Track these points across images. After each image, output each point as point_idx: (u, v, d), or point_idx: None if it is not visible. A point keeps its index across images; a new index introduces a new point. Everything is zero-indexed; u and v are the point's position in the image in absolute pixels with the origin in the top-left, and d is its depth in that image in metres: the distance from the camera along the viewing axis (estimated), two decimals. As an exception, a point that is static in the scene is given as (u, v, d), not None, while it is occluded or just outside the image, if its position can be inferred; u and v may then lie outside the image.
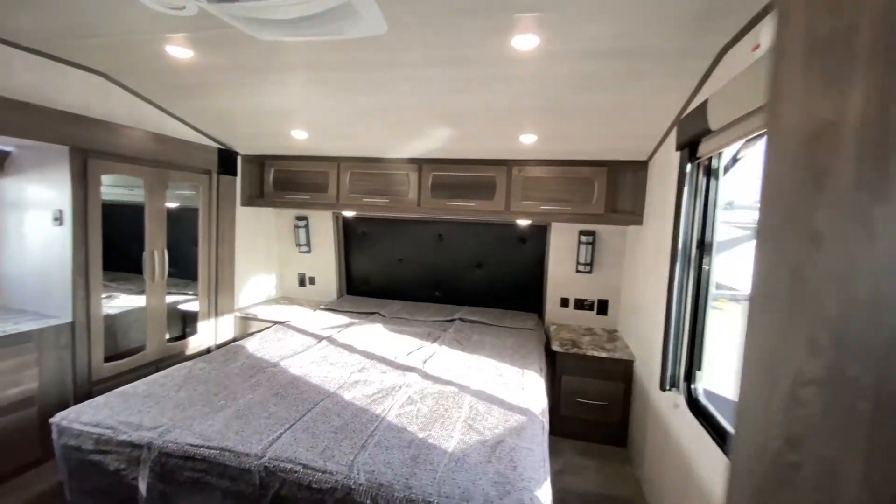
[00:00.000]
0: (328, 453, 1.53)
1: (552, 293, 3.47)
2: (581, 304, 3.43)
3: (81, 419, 1.70)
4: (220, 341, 3.25)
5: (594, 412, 2.82)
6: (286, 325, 3.12)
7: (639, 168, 2.82)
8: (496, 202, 3.07)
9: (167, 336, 2.87)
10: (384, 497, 1.36)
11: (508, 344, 2.85)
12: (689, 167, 1.87)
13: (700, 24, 1.46)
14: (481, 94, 2.14)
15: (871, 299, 0.27)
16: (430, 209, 3.21)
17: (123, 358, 2.59)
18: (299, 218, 3.88)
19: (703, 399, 1.81)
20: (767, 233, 0.37)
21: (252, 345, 2.65)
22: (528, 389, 2.17)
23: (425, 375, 2.29)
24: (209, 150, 3.10)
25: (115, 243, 2.57)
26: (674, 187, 2.03)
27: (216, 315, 3.23)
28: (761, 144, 1.56)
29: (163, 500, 1.57)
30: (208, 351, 3.11)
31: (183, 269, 3.11)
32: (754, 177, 1.97)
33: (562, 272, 3.41)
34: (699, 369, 1.87)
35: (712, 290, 1.88)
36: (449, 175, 3.15)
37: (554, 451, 2.02)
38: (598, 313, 3.40)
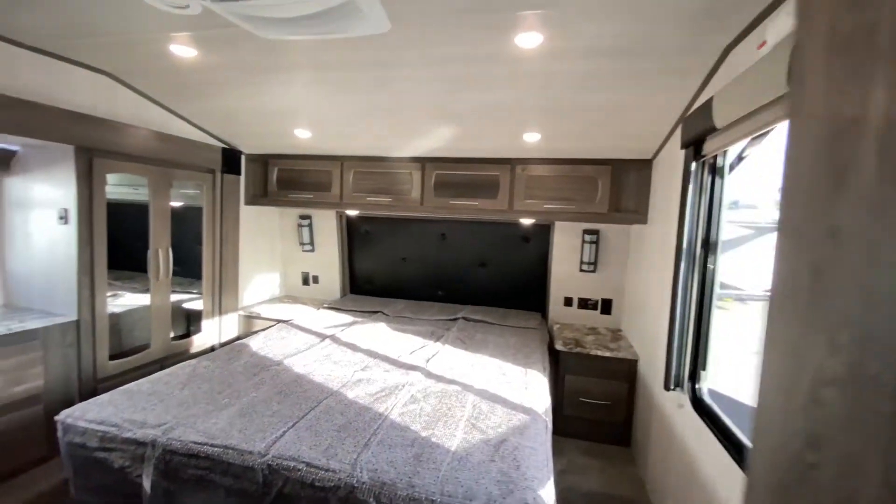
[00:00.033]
0: (331, 451, 1.54)
1: (555, 292, 3.46)
2: (585, 304, 3.41)
3: (86, 417, 1.71)
4: (223, 340, 3.26)
5: (598, 412, 2.81)
6: (290, 324, 3.13)
7: (643, 167, 2.80)
8: (499, 201, 3.07)
9: (171, 334, 2.88)
10: (387, 495, 1.36)
11: (511, 343, 2.85)
12: (693, 165, 1.86)
13: (704, 21, 1.45)
14: (485, 93, 2.13)
15: (894, 297, 0.26)
16: (433, 208, 3.20)
17: (128, 356, 2.60)
18: (303, 217, 3.89)
19: (707, 399, 1.80)
20: (788, 229, 0.37)
21: (256, 343, 2.66)
22: (532, 388, 2.17)
23: (428, 374, 2.29)
24: (213, 149, 3.11)
25: (120, 242, 2.58)
26: (678, 186, 2.02)
27: (220, 313, 3.24)
28: (767, 142, 1.55)
29: (167, 498, 1.58)
30: (212, 349, 3.12)
31: (187, 268, 3.12)
32: (760, 175, 1.96)
33: (565, 271, 3.40)
34: (704, 369, 1.85)
35: (717, 290, 1.87)
36: (452, 174, 3.15)
37: (557, 451, 2.01)
38: (602, 313, 3.39)
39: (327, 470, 1.44)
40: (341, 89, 2.24)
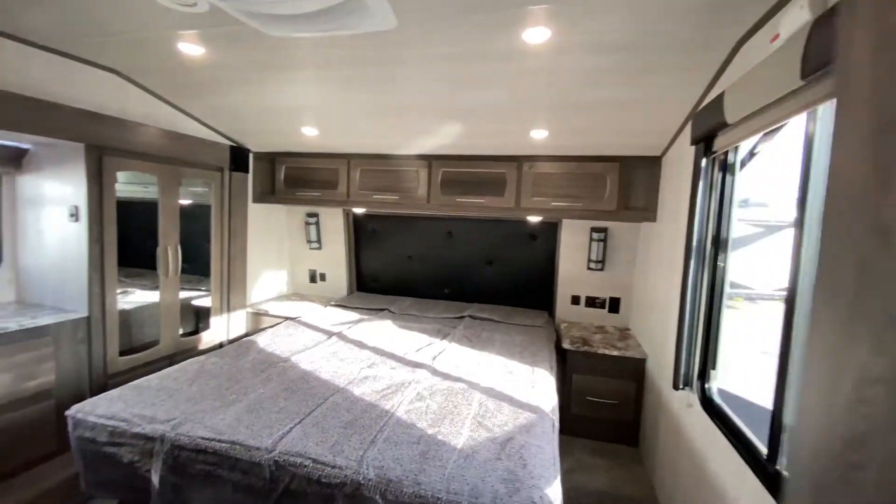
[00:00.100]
0: (337, 448, 1.54)
1: (563, 291, 3.44)
2: (592, 302, 3.39)
3: (96, 412, 1.73)
4: (232, 336, 3.29)
5: (605, 411, 2.79)
6: (297, 321, 3.14)
7: (652, 164, 2.77)
8: (506, 199, 3.05)
9: (180, 331, 2.91)
10: (393, 493, 1.36)
11: (518, 341, 2.84)
12: (704, 162, 1.83)
13: (716, 15, 1.42)
14: (492, 90, 2.12)
15: None
16: (439, 206, 3.20)
17: (138, 352, 2.63)
18: (310, 215, 3.90)
19: (717, 398, 1.78)
20: (833, 226, 0.36)
21: (263, 340, 2.68)
22: (539, 387, 2.15)
23: (435, 372, 2.29)
24: (221, 147, 3.13)
25: (130, 240, 2.60)
26: (688, 183, 1.99)
27: (228, 310, 3.26)
28: (779, 138, 1.52)
29: (175, 492, 1.59)
30: (220, 346, 3.14)
31: (196, 266, 3.14)
32: (772, 172, 1.92)
33: (573, 269, 3.38)
34: (714, 368, 1.83)
35: (727, 288, 1.84)
36: (459, 171, 3.14)
37: (564, 450, 2.00)
38: (610, 311, 3.36)
39: (334, 466, 1.44)
40: (348, 87, 2.24)
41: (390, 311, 3.49)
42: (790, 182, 1.29)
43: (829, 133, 1.19)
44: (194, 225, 3.04)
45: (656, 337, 2.56)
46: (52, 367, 2.18)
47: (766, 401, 1.32)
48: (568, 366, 2.84)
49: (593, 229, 3.22)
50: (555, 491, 1.38)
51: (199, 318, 3.29)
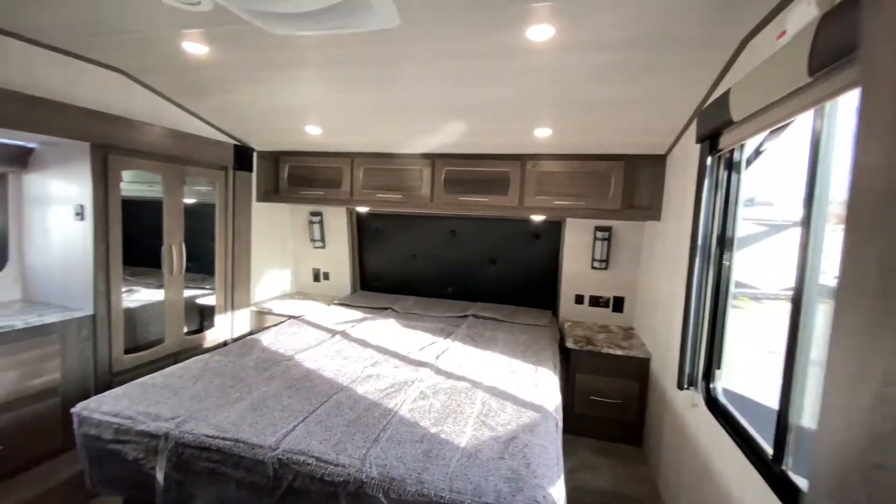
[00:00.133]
0: (341, 446, 1.54)
1: (566, 290, 3.43)
2: (596, 301, 3.38)
3: (101, 409, 1.74)
4: (236, 335, 3.30)
5: (609, 410, 2.78)
6: (301, 320, 3.15)
7: (657, 162, 2.76)
8: (510, 197, 3.04)
9: (185, 329, 2.92)
10: (396, 491, 1.36)
11: (521, 340, 2.83)
12: (709, 160, 1.82)
13: (722, 12, 1.41)
14: (495, 88, 2.11)
15: None
16: (443, 204, 3.19)
17: (143, 350, 2.64)
18: (314, 213, 3.91)
19: (722, 398, 1.77)
20: (856, 225, 0.35)
21: (267, 338, 2.68)
22: (542, 386, 2.15)
23: (438, 371, 2.29)
24: (225, 146, 3.14)
25: (135, 238, 2.62)
26: (693, 181, 1.98)
27: (232, 309, 3.27)
28: (786, 136, 1.51)
29: (179, 490, 1.60)
30: (224, 344, 3.15)
31: (200, 264, 3.15)
32: (778, 170, 1.91)
33: (576, 268, 3.37)
34: (718, 368, 1.82)
35: (732, 287, 1.83)
36: (462, 170, 3.13)
37: (568, 449, 2.00)
38: (614, 310, 3.35)
39: (337, 465, 1.45)
40: (351, 85, 2.24)
41: (393, 310, 3.49)
42: (797, 180, 1.28)
43: (837, 130, 1.18)
44: (199, 224, 3.05)
45: (660, 336, 2.54)
46: (57, 365, 2.19)
47: (771, 400, 1.31)
48: (571, 365, 2.83)
49: (597, 228, 3.21)
50: (558, 490, 1.38)
51: (204, 317, 3.31)
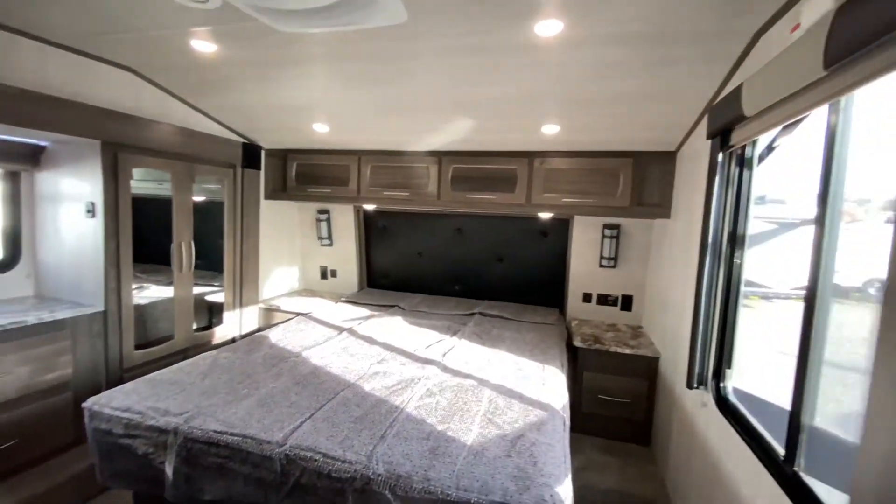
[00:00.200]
0: (347, 443, 1.54)
1: (574, 288, 3.41)
2: (604, 300, 3.35)
3: (112, 404, 1.76)
4: (244, 331, 3.32)
5: (617, 409, 2.76)
6: (308, 317, 3.16)
7: (666, 159, 2.73)
8: (517, 195, 3.03)
9: (194, 326, 2.95)
10: (402, 488, 1.36)
11: (528, 339, 2.82)
12: (720, 156, 1.79)
13: (733, 5, 1.39)
14: (502, 84, 2.10)
15: None
16: (449, 202, 3.19)
17: (153, 346, 2.67)
18: (321, 211, 3.92)
19: (732, 398, 1.75)
20: None
21: (275, 335, 2.70)
22: (549, 385, 2.14)
23: (444, 368, 2.28)
24: (234, 144, 3.15)
25: (145, 236, 2.64)
26: (704, 178, 1.95)
27: (241, 306, 3.30)
28: (799, 131, 1.48)
29: (188, 484, 1.61)
30: (233, 341, 3.18)
31: (209, 262, 3.18)
32: (791, 166, 1.88)
33: (584, 267, 3.34)
34: (729, 367, 1.80)
35: (743, 286, 1.81)
36: (469, 168, 3.12)
37: (575, 448, 1.98)
38: (622, 309, 3.33)
39: (343, 461, 1.45)
40: (358, 82, 2.24)
41: (400, 308, 3.50)
42: (810, 177, 1.26)
43: (853, 125, 1.15)
44: (207, 221, 3.07)
45: (670, 335, 2.52)
46: (69, 360, 2.22)
47: (782, 400, 1.29)
48: (579, 364, 2.82)
49: (606, 226, 3.19)
50: (565, 489, 1.37)
51: (213, 314, 3.33)
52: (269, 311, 3.56)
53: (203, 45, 1.95)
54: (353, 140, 3.23)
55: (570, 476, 1.46)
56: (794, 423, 1.24)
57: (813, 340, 1.21)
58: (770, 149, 1.69)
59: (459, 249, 3.77)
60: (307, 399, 1.86)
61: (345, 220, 3.91)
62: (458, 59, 1.90)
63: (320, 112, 2.77)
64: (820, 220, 1.20)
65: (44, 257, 2.54)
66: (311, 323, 3.02)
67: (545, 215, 3.31)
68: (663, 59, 1.73)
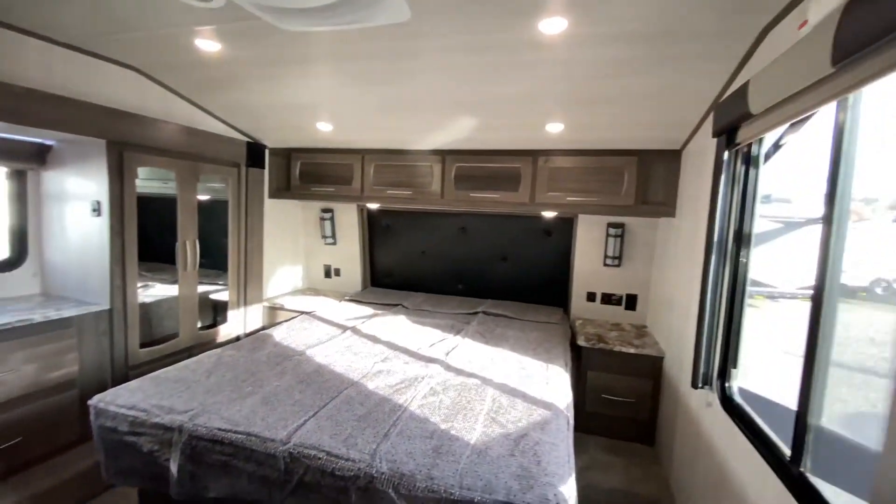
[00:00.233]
0: (351, 441, 1.54)
1: (578, 287, 3.40)
2: (608, 299, 3.34)
3: (117, 402, 1.77)
4: (248, 330, 3.33)
5: (621, 409, 2.75)
6: (312, 315, 3.17)
7: (671, 157, 2.71)
8: (521, 194, 3.02)
9: (199, 324, 2.96)
10: (406, 486, 1.36)
11: (532, 338, 2.81)
12: (726, 154, 1.78)
13: (740, 1, 1.37)
14: (506, 82, 2.09)
15: None
16: (453, 201, 3.18)
17: (158, 344, 2.68)
18: (325, 210, 3.93)
19: (738, 398, 1.73)
20: None
21: (279, 334, 2.70)
22: (553, 384, 2.13)
23: (448, 367, 2.28)
24: (238, 143, 3.16)
25: (150, 235, 2.66)
26: (709, 176, 1.94)
27: (245, 304, 3.31)
28: (806, 129, 1.47)
29: (192, 481, 1.62)
30: (237, 339, 3.19)
31: (214, 260, 3.19)
32: (797, 164, 1.86)
33: (588, 266, 3.33)
34: (734, 367, 1.78)
35: (748, 285, 1.79)
36: (473, 166, 3.12)
37: (579, 448, 1.98)
38: (627, 308, 3.31)
39: (347, 459, 1.45)
40: (361, 81, 2.24)
41: (404, 307, 3.50)
42: (816, 176, 1.25)
43: (861, 123, 1.14)
44: (212, 220, 3.08)
45: (674, 335, 2.50)
46: (75, 358, 2.24)
47: (787, 400, 1.28)
48: (583, 363, 2.81)
49: (610, 225, 3.17)
50: (569, 489, 1.37)
51: (217, 312, 3.35)
52: (273, 310, 3.57)
53: (207, 44, 1.95)
54: (356, 139, 3.23)
55: (573, 475, 1.46)
56: (801, 423, 1.23)
57: (820, 340, 1.20)
58: (776, 147, 1.68)
59: (463, 248, 3.76)
60: (311, 397, 1.87)
61: (348, 218, 3.91)
62: (462, 58, 1.89)
63: (324, 111, 2.78)
64: (828, 219, 1.19)
65: (50, 256, 2.56)
66: (315, 321, 3.02)
67: (549, 214, 3.30)
68: (669, 56, 1.72)
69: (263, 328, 3.37)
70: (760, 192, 1.75)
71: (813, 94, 1.15)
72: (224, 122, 3.09)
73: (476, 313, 3.35)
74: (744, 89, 1.48)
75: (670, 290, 2.69)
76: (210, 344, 2.96)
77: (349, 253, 4.03)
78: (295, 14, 1.49)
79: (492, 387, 2.06)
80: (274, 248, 3.67)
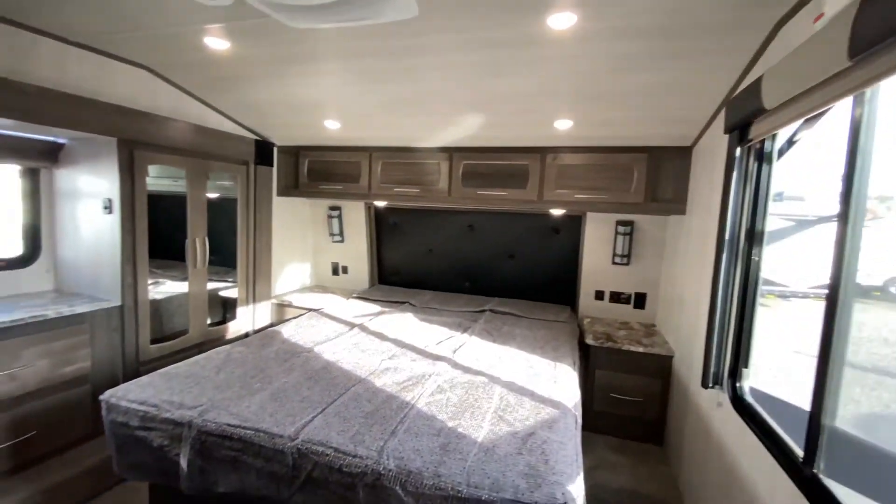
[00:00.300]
0: (358, 438, 1.55)
1: (586, 285, 3.38)
2: (617, 298, 3.32)
3: (128, 397, 1.79)
4: (257, 327, 3.36)
5: (629, 408, 2.73)
6: (320, 313, 3.18)
7: (682, 154, 2.68)
8: (529, 191, 3.00)
9: (208, 321, 2.98)
10: (413, 484, 1.36)
11: (540, 336, 2.80)
12: (738, 151, 1.75)
13: (754, -6, 1.35)
14: (515, 79, 2.07)
15: None
16: (460, 199, 3.17)
17: (168, 340, 2.71)
18: (332, 208, 3.94)
19: (749, 398, 1.71)
20: None
21: (287, 331, 2.72)
22: (561, 382, 2.12)
23: (455, 365, 2.28)
24: (247, 141, 3.18)
25: (160, 232, 2.68)
26: (721, 173, 1.91)
27: (254, 301, 3.33)
28: (821, 124, 1.44)
29: (202, 476, 1.63)
30: (246, 335, 3.21)
31: (223, 258, 3.22)
32: (811, 161, 1.83)
33: (597, 264, 3.31)
34: (746, 366, 1.76)
35: (760, 284, 1.77)
36: (480, 164, 3.11)
37: (587, 447, 1.97)
38: (636, 307, 3.29)
39: (355, 456, 1.45)
40: (369, 78, 2.24)
41: (411, 304, 3.50)
42: (831, 173, 1.22)
43: (878, 118, 1.11)
44: (221, 218, 3.11)
45: (684, 334, 2.48)
46: (87, 354, 2.27)
47: (799, 400, 1.26)
48: (591, 362, 2.79)
49: (619, 222, 3.15)
50: (577, 488, 1.36)
51: (227, 309, 3.37)
52: (282, 307, 3.59)
53: (216, 42, 1.96)
54: (364, 136, 3.23)
55: (581, 475, 1.45)
56: (814, 424, 1.21)
57: (834, 340, 1.18)
58: (790, 143, 1.65)
59: (470, 246, 3.76)
60: (319, 394, 1.88)
61: (356, 216, 3.92)
62: (470, 54, 1.88)
63: (332, 109, 2.78)
64: (843, 217, 1.16)
65: (63, 253, 2.59)
66: (323, 319, 3.04)
67: (557, 212, 3.28)
68: (680, 51, 1.70)
69: (272, 325, 3.40)
70: (773, 189, 1.72)
71: (829, 89, 1.13)
72: (233, 120, 3.11)
73: (483, 311, 3.34)
74: (757, 84, 1.45)
75: (680, 289, 2.66)
76: (219, 340, 2.99)
77: (357, 250, 4.04)
78: (303, 11, 1.50)
79: (499, 385, 2.05)
80: (282, 245, 3.69)
